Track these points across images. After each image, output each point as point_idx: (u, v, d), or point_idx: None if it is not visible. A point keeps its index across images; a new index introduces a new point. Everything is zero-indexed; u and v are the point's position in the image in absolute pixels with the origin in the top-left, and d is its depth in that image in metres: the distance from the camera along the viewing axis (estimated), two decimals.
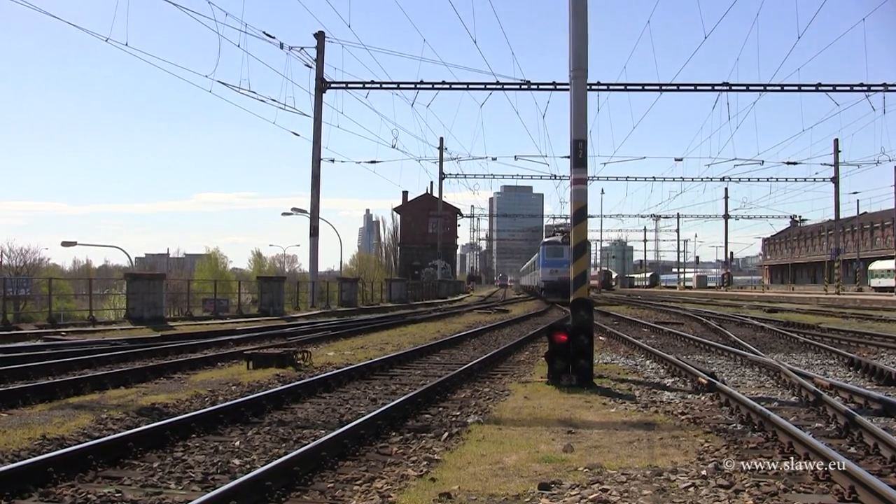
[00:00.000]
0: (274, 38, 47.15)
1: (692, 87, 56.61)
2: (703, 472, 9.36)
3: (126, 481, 9.22)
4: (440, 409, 14.52)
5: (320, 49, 54.91)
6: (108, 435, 11.28)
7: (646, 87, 56.56)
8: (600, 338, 29.12)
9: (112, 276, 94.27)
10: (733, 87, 56.05)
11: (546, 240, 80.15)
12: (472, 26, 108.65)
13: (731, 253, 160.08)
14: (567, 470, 9.64)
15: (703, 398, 15.48)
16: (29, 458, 9.85)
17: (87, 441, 10.85)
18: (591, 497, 8.41)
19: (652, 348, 24.14)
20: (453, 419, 13.45)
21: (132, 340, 27.37)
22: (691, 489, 8.71)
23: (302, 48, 53.06)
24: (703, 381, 16.53)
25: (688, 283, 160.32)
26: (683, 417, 13.43)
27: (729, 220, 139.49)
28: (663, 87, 56.26)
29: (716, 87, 56.18)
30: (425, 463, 10.17)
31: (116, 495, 8.57)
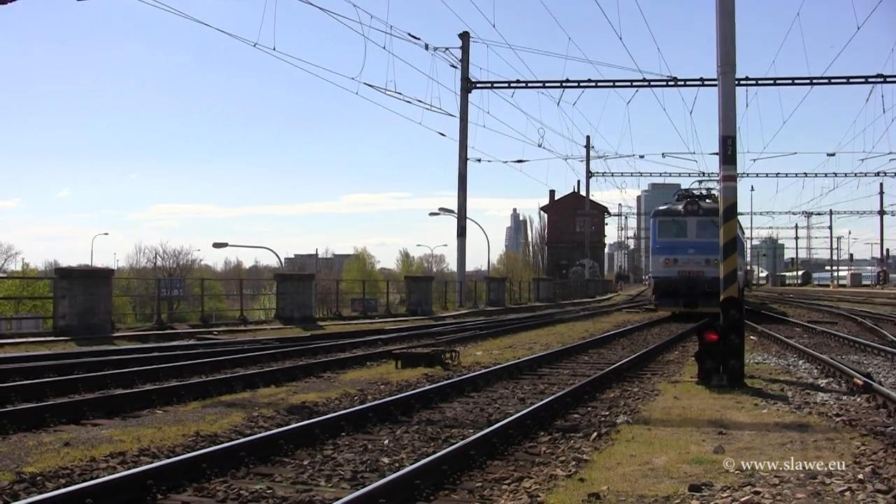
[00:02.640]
0: (419, 39, 47.36)
1: (844, 80, 55.06)
2: (860, 476, 9.09)
3: (277, 478, 9.36)
4: (589, 408, 14.44)
5: (465, 49, 54.97)
6: (260, 432, 11.47)
7: (796, 81, 55.22)
8: (751, 337, 28.59)
9: (262, 277, 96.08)
10: (888, 79, 54.42)
11: (660, 208, 47.29)
12: (618, 23, 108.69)
13: (888, 250, 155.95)
14: (718, 472, 9.47)
15: (858, 399, 15.10)
16: (183, 453, 10.05)
17: (239, 438, 11.02)
18: (742, 500, 8.24)
19: (804, 348, 23.65)
20: (602, 419, 13.34)
21: (282, 340, 27.82)
22: (847, 493, 8.47)
23: (447, 49, 53.20)
24: (859, 381, 16.13)
25: (841, 282, 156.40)
26: (838, 419, 13.09)
27: (885, 217, 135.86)
28: (814, 81, 54.91)
29: (869, 80, 54.59)
30: (574, 463, 10.10)
31: (268, 492, 8.70)
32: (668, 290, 42.28)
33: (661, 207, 47.01)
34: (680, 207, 43.57)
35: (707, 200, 43.63)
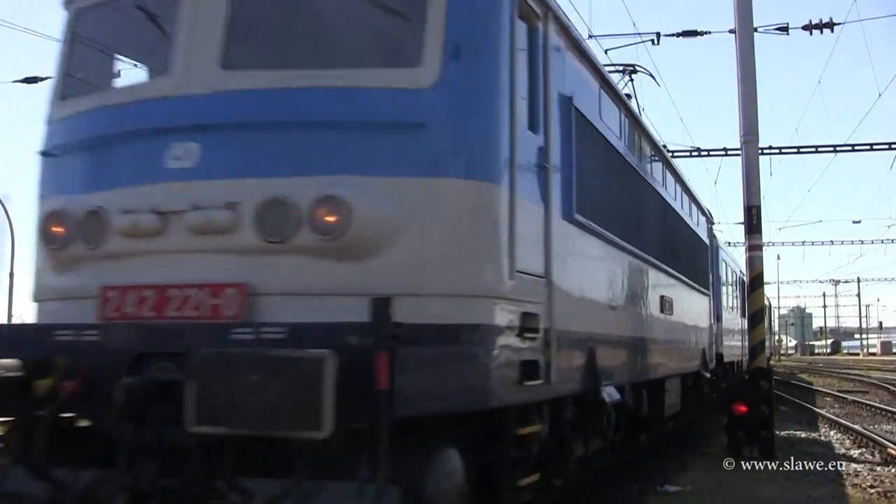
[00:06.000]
0: None
1: (868, 147, 54.66)
2: None
3: None
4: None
5: None
6: None
7: (819, 149, 55.01)
8: (781, 407, 28.27)
9: None
10: None
11: None
12: (641, 95, 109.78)
13: None
14: None
15: (893, 470, 14.89)
16: None
17: None
18: None
19: (836, 418, 23.44)
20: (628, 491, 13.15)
21: None
22: None
23: None
24: (893, 452, 15.94)
25: (871, 350, 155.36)
26: (873, 491, 12.91)
27: None
28: (837, 149, 54.71)
29: (893, 146, 54.28)
30: None
31: None
32: None
33: None
34: None
35: None
